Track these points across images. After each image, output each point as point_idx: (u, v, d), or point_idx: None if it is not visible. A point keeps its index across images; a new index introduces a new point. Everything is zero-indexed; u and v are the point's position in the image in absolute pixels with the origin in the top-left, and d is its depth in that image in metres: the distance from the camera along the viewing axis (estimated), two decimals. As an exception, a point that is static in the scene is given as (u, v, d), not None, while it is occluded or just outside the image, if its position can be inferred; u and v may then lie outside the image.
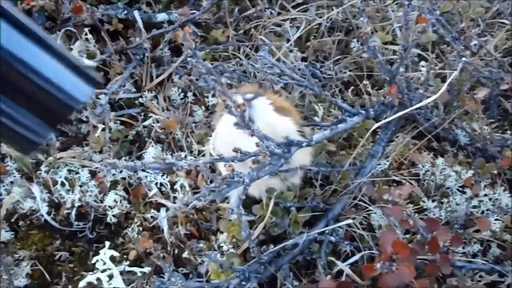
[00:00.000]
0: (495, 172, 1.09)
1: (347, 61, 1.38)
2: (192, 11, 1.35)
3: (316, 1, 1.50)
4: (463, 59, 1.24)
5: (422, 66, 1.33)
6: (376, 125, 0.90)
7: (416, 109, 1.04)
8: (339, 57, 1.40)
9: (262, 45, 1.15)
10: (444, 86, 0.89)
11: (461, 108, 1.17)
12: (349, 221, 0.92)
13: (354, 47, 1.41)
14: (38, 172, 1.08)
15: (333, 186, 1.00)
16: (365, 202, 0.97)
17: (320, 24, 1.43)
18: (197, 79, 1.20)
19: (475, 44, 1.42)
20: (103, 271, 0.84)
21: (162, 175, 1.07)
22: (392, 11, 1.50)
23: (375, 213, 0.97)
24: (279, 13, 1.46)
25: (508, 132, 1.20)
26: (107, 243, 0.88)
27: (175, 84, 1.28)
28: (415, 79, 1.20)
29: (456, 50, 1.33)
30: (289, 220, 0.92)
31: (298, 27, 1.41)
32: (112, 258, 0.85)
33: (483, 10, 1.57)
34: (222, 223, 0.94)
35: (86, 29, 1.29)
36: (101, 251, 0.85)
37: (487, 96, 1.18)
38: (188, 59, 1.25)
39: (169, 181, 1.06)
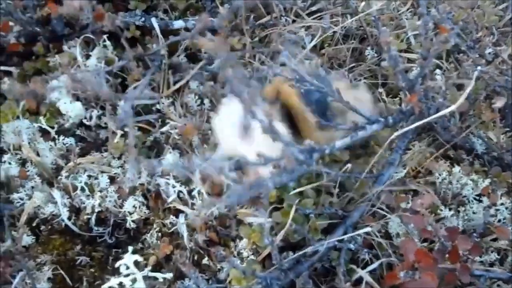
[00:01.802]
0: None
1: (362, 68, 1.40)
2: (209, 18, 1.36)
3: (330, 9, 1.51)
4: (479, 68, 1.25)
5: (437, 75, 1.34)
6: (396, 134, 0.91)
7: (434, 118, 1.05)
8: (353, 64, 1.41)
9: (281, 50, 1.16)
10: (463, 96, 0.89)
11: (477, 117, 1.18)
12: (368, 229, 0.93)
13: (368, 54, 1.42)
14: (59, 177, 1.10)
15: (350, 194, 1.01)
16: (383, 210, 0.98)
17: (335, 32, 1.44)
18: (222, 87, 1.22)
19: (489, 53, 1.43)
20: (126, 275, 0.85)
21: (179, 183, 1.08)
22: (406, 19, 1.51)
23: (392, 221, 0.97)
24: (294, 21, 1.47)
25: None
26: (130, 248, 0.89)
27: (192, 91, 1.30)
28: (432, 87, 1.21)
29: (472, 58, 1.34)
30: (308, 227, 0.93)
31: (313, 35, 1.42)
32: (135, 263, 0.86)
33: (497, 18, 1.58)
34: (243, 229, 0.95)
35: (105, 36, 1.30)
36: (125, 256, 0.86)
37: (503, 105, 1.19)
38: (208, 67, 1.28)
39: (186, 189, 1.07)
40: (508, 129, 1.23)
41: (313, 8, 1.54)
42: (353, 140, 0.91)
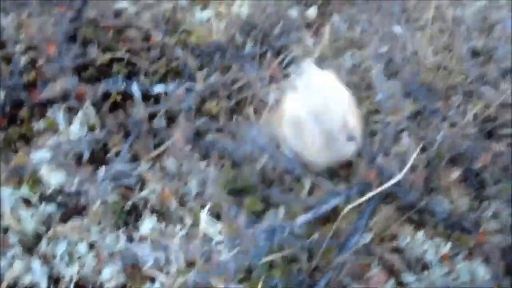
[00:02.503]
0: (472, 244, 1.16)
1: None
2: (188, 83, 1.45)
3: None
4: (441, 133, 1.33)
5: (404, 137, 1.41)
6: (349, 207, 0.97)
7: (394, 184, 1.13)
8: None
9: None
10: (407, 166, 0.96)
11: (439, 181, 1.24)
12: (333, 298, 0.98)
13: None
14: (39, 245, 1.14)
15: (316, 261, 1.06)
16: (348, 278, 1.03)
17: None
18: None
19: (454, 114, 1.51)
20: None
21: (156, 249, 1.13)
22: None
23: (357, 289, 1.02)
24: (269, 84, 1.55)
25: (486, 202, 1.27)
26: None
27: (171, 155, 1.35)
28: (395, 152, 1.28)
29: (435, 122, 1.42)
30: (276, 297, 0.98)
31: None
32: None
33: (464, 77, 1.66)
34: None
35: (87, 103, 1.37)
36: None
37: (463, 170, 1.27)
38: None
39: (163, 255, 1.11)
40: (469, 192, 1.29)
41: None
42: (316, 215, 0.97)
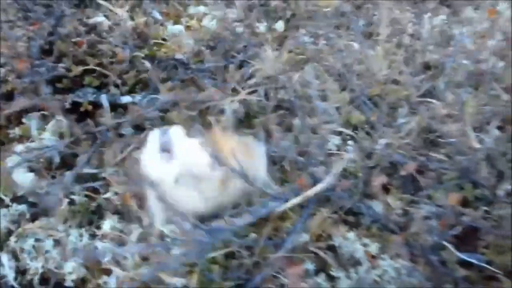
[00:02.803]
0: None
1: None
2: (153, 95, 1.58)
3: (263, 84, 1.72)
4: (383, 140, 1.47)
5: (349, 146, 1.55)
6: (282, 207, 1.10)
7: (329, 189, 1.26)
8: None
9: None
10: (334, 171, 1.09)
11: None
12: (265, 290, 1.11)
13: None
14: (8, 241, 1.27)
15: (255, 258, 1.19)
16: (281, 274, 1.16)
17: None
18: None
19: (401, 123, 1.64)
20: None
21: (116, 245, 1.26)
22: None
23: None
24: (231, 95, 1.68)
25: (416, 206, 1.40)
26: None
27: (135, 159, 1.48)
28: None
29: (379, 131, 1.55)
30: (214, 289, 1.11)
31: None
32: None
33: (414, 90, 1.79)
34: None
35: (59, 112, 1.50)
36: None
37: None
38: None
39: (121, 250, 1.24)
40: (403, 195, 1.42)
41: (250, 82, 1.75)
42: (255, 217, 1.10)
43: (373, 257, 1.23)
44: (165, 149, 1.18)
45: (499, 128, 1.61)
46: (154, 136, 1.27)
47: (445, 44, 2.14)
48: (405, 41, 2.06)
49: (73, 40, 1.64)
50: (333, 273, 1.22)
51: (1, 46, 1.46)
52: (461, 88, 1.79)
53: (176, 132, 1.18)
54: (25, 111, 1.55)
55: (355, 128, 1.62)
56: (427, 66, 1.97)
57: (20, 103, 1.35)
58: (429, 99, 1.77)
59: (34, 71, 1.42)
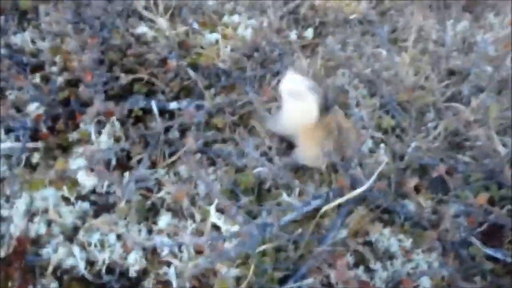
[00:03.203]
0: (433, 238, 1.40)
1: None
2: (197, 101, 1.71)
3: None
4: (413, 144, 1.58)
5: (381, 149, 1.66)
6: (326, 207, 1.23)
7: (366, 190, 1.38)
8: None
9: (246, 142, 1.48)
10: (376, 174, 1.21)
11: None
12: (310, 280, 1.23)
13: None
14: (77, 235, 1.41)
15: (300, 251, 1.32)
16: (325, 265, 1.28)
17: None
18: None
19: (429, 127, 1.75)
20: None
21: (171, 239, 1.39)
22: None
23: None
24: (268, 101, 1.80)
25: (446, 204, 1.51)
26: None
27: (183, 162, 1.62)
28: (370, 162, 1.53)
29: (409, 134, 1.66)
30: (266, 278, 1.24)
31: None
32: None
33: (440, 95, 1.89)
34: (216, 280, 1.26)
35: (113, 118, 1.63)
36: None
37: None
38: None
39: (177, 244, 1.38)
40: (434, 195, 1.54)
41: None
42: (299, 214, 1.22)
43: (407, 251, 1.35)
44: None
45: (522, 131, 1.71)
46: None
47: (468, 50, 2.23)
48: (429, 47, 2.16)
49: (123, 50, 1.78)
50: (371, 265, 1.34)
51: (69, 59, 1.59)
52: (484, 93, 1.89)
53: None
54: (83, 115, 1.68)
55: (385, 131, 1.74)
56: (451, 72, 2.07)
57: (95, 107, 1.48)
58: (454, 104, 1.88)
59: (94, 83, 1.55)
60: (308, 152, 1.43)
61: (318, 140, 1.40)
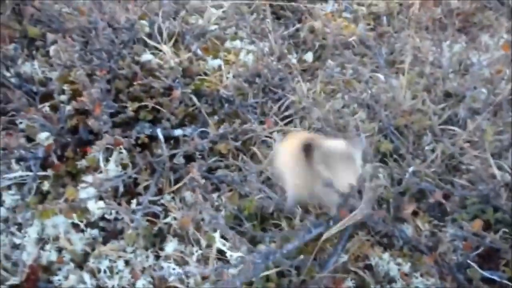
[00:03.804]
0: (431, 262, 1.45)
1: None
2: (202, 128, 1.77)
3: (298, 114, 1.90)
4: (410, 168, 1.63)
5: (380, 173, 1.71)
6: (327, 234, 1.28)
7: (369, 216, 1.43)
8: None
9: (250, 171, 1.53)
10: (371, 201, 1.27)
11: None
12: (313, 305, 1.28)
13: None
14: (87, 262, 1.46)
15: (302, 277, 1.37)
16: (327, 289, 1.33)
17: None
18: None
19: (426, 150, 1.80)
20: None
21: (178, 265, 1.44)
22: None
23: (334, 299, 1.33)
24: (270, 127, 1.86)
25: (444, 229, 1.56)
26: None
27: (188, 188, 1.67)
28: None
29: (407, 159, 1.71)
30: (270, 304, 1.29)
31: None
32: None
33: (437, 118, 1.95)
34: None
35: (121, 145, 1.69)
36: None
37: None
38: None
39: (183, 271, 1.43)
40: (431, 218, 1.59)
41: (286, 113, 1.93)
42: (301, 242, 1.28)
43: (406, 275, 1.40)
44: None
45: (517, 154, 1.76)
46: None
47: (464, 71, 2.29)
48: (426, 69, 2.21)
49: (129, 79, 1.84)
50: (372, 289, 1.39)
51: (77, 88, 1.66)
52: (480, 116, 1.94)
53: None
54: (91, 143, 1.74)
55: (384, 156, 1.79)
56: (448, 94, 2.13)
57: (105, 140, 1.54)
58: (450, 127, 1.93)
59: (103, 112, 1.61)
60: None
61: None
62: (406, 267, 1.43)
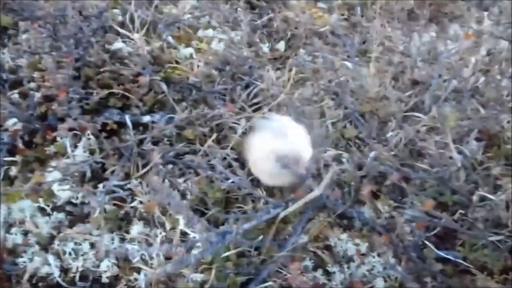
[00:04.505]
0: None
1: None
2: (169, 114, 1.80)
3: (266, 101, 1.94)
4: (372, 153, 1.68)
5: (344, 158, 1.76)
6: (283, 214, 1.32)
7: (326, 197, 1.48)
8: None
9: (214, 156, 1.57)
10: (324, 181, 1.31)
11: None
12: (271, 283, 1.32)
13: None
14: (52, 245, 1.49)
15: (262, 257, 1.41)
16: (285, 269, 1.38)
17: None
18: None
19: (390, 136, 1.85)
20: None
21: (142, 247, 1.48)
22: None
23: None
24: (238, 113, 1.89)
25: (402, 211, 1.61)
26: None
27: (155, 173, 1.70)
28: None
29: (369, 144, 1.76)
30: (228, 282, 1.33)
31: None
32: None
33: (403, 105, 2.00)
34: (180, 284, 1.35)
35: (88, 131, 1.71)
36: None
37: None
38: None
39: (147, 252, 1.46)
40: (392, 201, 1.63)
41: (255, 100, 1.97)
42: (258, 222, 1.32)
43: (363, 254, 1.44)
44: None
45: (477, 139, 1.81)
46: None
47: (433, 60, 2.34)
48: (395, 58, 2.26)
49: (99, 66, 1.86)
50: (329, 268, 1.44)
51: (44, 78, 1.68)
52: (445, 103, 1.99)
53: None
54: (59, 129, 1.76)
55: (348, 141, 1.84)
56: (415, 82, 2.18)
57: (67, 124, 1.56)
58: (416, 113, 1.98)
59: (69, 97, 1.63)
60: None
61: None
62: (364, 247, 1.47)
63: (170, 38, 2.19)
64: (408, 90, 2.11)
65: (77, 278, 1.45)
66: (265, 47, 2.28)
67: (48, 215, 1.55)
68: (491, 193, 1.54)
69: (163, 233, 1.52)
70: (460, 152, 1.75)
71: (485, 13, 2.60)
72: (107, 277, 1.45)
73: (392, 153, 1.75)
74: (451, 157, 1.72)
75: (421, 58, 2.32)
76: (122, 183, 1.67)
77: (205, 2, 2.46)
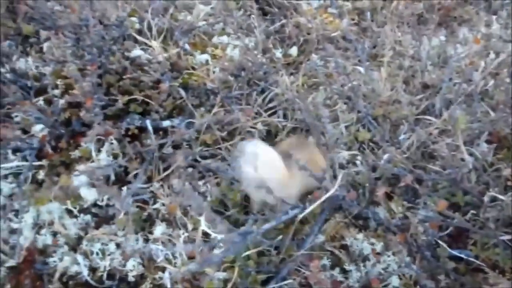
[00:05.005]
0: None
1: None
2: (188, 119, 1.87)
3: (282, 106, 2.00)
4: (386, 155, 1.73)
5: (357, 160, 1.82)
6: (301, 215, 1.38)
7: (342, 199, 1.54)
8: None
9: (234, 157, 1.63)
10: (337, 182, 1.37)
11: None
12: (291, 281, 1.38)
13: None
14: (80, 245, 1.56)
15: (281, 256, 1.47)
16: (303, 268, 1.43)
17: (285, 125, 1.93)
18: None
19: (402, 139, 1.90)
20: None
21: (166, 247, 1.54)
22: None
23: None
24: (254, 117, 1.95)
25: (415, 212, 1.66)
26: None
27: (176, 176, 1.77)
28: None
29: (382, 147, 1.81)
30: (250, 280, 1.39)
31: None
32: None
33: (414, 109, 2.05)
34: (205, 282, 1.41)
35: (112, 136, 1.78)
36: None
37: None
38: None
39: (171, 252, 1.53)
40: (406, 202, 1.69)
41: (270, 105, 2.03)
42: (278, 223, 1.38)
43: (378, 253, 1.50)
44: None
45: (487, 142, 1.86)
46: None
47: (443, 64, 2.38)
48: (406, 62, 2.31)
49: (120, 73, 1.93)
50: (346, 267, 1.49)
51: (70, 82, 1.75)
52: (456, 106, 2.04)
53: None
54: (83, 134, 1.83)
55: (362, 144, 1.89)
56: (425, 86, 2.23)
57: (96, 130, 1.64)
58: (427, 117, 2.03)
59: (93, 104, 1.71)
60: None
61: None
62: (379, 247, 1.53)
63: (186, 45, 2.26)
64: (419, 94, 2.15)
65: (104, 277, 1.51)
66: (278, 53, 2.34)
67: (76, 216, 1.62)
68: (501, 193, 1.59)
69: (186, 234, 1.58)
70: (471, 154, 1.79)
71: (494, 17, 2.64)
72: (133, 276, 1.51)
73: (405, 155, 1.81)
74: (462, 159, 1.76)
75: (431, 62, 2.36)
76: (144, 185, 1.73)
77: (219, 9, 2.52)
